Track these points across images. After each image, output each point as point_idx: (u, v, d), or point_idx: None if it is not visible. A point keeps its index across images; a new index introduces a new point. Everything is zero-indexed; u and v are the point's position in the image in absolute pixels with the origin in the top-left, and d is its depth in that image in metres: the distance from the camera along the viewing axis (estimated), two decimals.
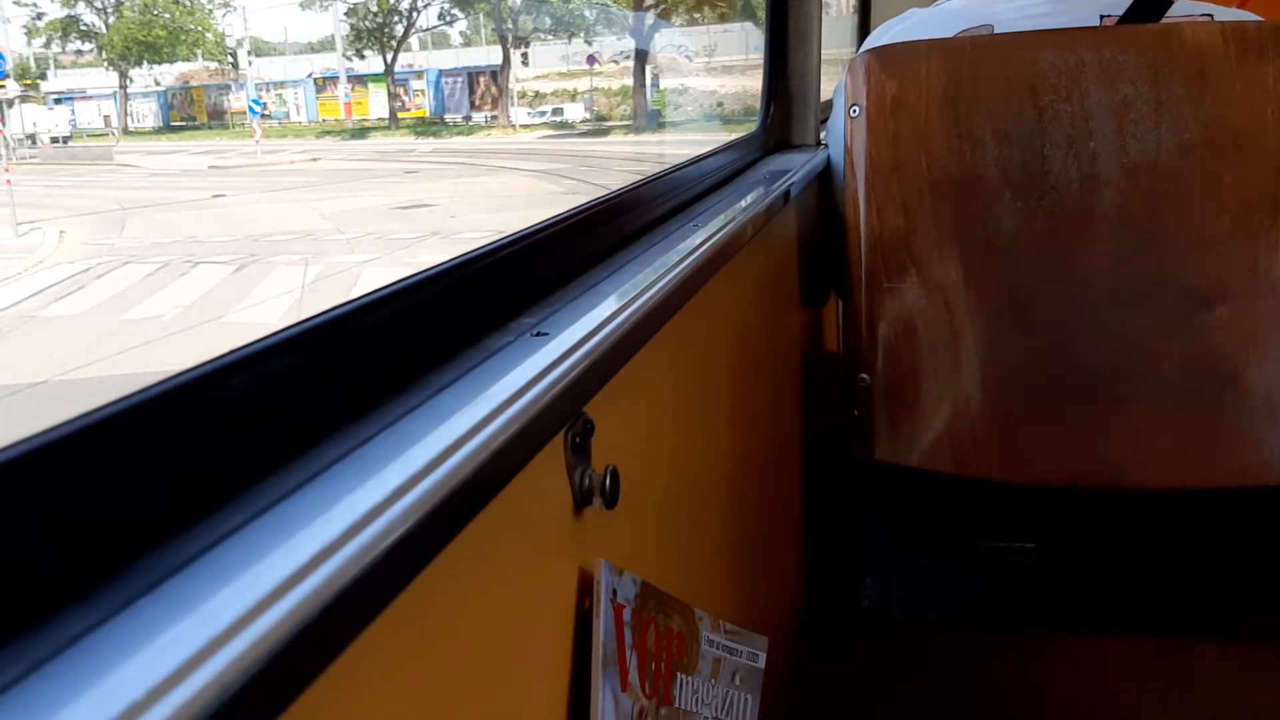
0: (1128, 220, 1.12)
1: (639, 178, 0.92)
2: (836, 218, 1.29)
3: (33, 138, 18.20)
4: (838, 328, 1.50)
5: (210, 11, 23.10)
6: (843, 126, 1.21)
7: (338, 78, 23.14)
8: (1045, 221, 1.14)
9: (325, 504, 0.35)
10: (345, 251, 10.63)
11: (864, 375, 1.21)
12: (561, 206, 0.73)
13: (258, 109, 23.01)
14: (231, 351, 0.38)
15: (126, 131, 22.64)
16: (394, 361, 0.47)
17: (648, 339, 0.63)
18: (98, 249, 10.93)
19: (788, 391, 1.33)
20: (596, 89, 22.15)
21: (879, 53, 1.17)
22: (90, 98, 22.19)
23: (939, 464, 1.20)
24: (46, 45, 21.80)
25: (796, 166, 1.31)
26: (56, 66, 21.85)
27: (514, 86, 22.62)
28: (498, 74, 22.59)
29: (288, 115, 23.44)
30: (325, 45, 24.16)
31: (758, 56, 1.61)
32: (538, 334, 0.55)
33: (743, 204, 1.02)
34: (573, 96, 22.35)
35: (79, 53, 22.17)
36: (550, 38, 23.37)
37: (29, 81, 20.81)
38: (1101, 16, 1.22)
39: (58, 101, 21.53)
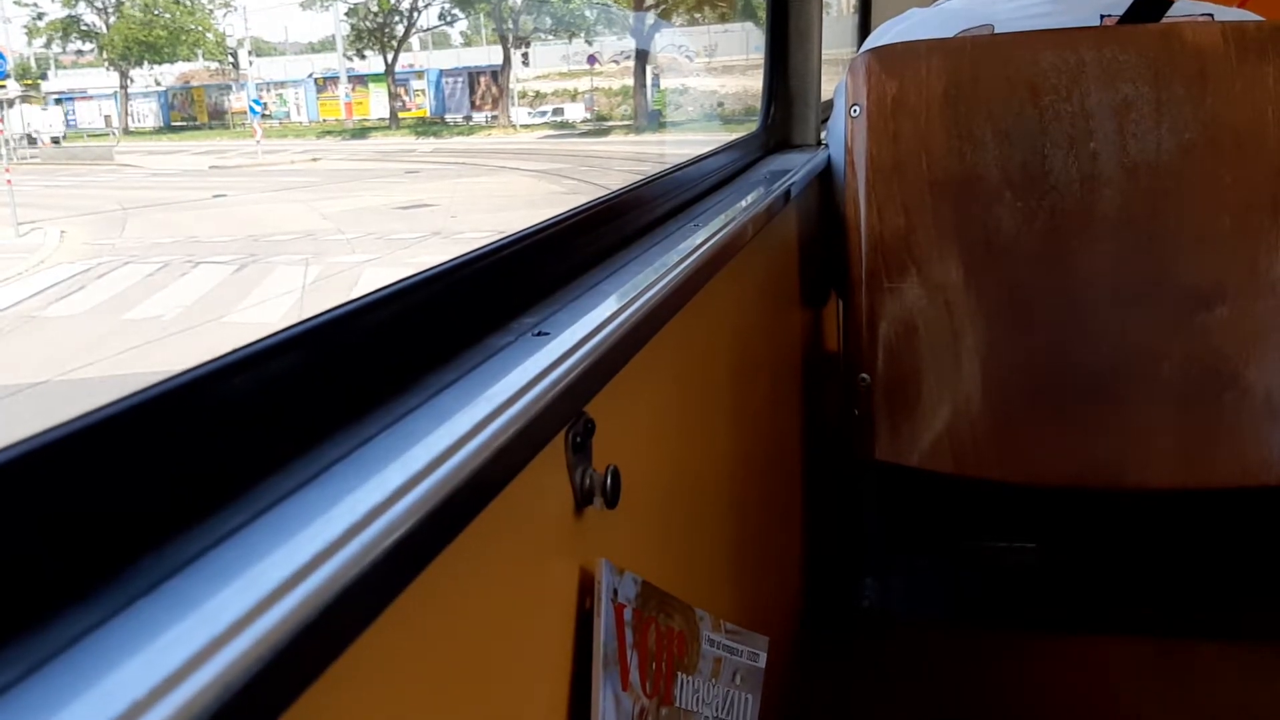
0: (1128, 220, 1.12)
1: (639, 178, 0.92)
2: (837, 218, 1.29)
3: (29, 138, 18.19)
4: (838, 328, 1.50)
5: (211, 11, 23.13)
6: (843, 126, 1.21)
7: (338, 78, 23.15)
8: (1045, 221, 1.14)
9: (326, 504, 0.35)
10: (346, 251, 10.64)
11: (864, 375, 1.21)
12: (562, 206, 0.73)
13: (258, 109, 23.02)
14: (232, 351, 0.38)
15: (127, 131, 22.64)
16: (395, 361, 0.47)
17: (648, 339, 0.63)
18: (98, 249, 10.94)
19: (788, 391, 1.33)
20: (597, 89, 22.15)
21: (879, 53, 1.17)
22: (91, 98, 22.20)
23: (939, 464, 1.20)
24: (47, 45, 21.82)
25: (797, 166, 1.31)
26: (57, 66, 21.86)
27: (514, 86, 22.62)
28: (498, 74, 22.60)
29: (288, 115, 23.45)
30: (326, 45, 24.18)
31: (758, 56, 1.61)
32: (538, 334, 0.55)
33: (743, 204, 1.02)
34: (573, 96, 22.36)
35: (79, 53, 22.19)
36: (551, 38, 23.38)
37: (30, 82, 20.82)
38: (1102, 16, 1.22)
39: (58, 102, 21.54)
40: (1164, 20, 1.16)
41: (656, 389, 0.74)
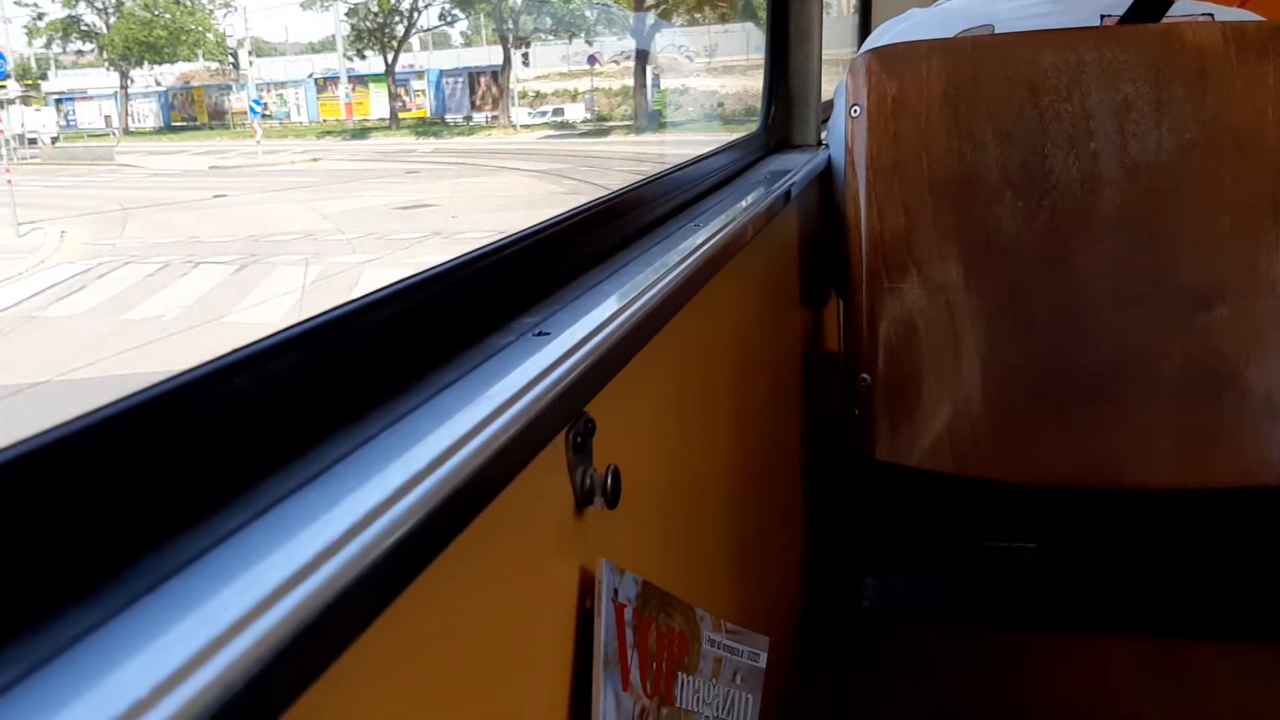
0: (1128, 220, 1.12)
1: (640, 178, 0.92)
2: (837, 218, 1.29)
3: (22, 139, 18.18)
4: (838, 328, 1.50)
5: (211, 12, 23.13)
6: (843, 126, 1.21)
7: (338, 78, 23.15)
8: (1046, 221, 1.14)
9: (326, 504, 0.35)
10: (346, 252, 10.64)
11: (865, 375, 1.21)
12: (562, 206, 0.73)
13: (258, 109, 23.02)
14: (232, 351, 0.38)
15: (127, 132, 22.65)
16: (395, 361, 0.47)
17: (649, 339, 0.63)
18: (98, 249, 10.94)
19: (788, 391, 1.33)
20: (597, 89, 22.15)
21: (880, 53, 1.17)
22: (91, 98, 22.20)
23: (939, 464, 1.20)
24: (47, 45, 21.82)
25: (797, 166, 1.32)
26: (57, 67, 21.87)
27: (515, 87, 22.62)
28: (498, 74, 22.60)
29: (288, 115, 23.45)
30: (326, 45, 24.18)
31: (758, 56, 1.61)
32: (539, 334, 0.55)
33: (743, 204, 1.02)
34: (573, 97, 22.36)
35: (80, 53, 22.19)
36: (551, 38, 23.38)
37: (30, 82, 20.82)
38: (1102, 16, 1.22)
39: (58, 102, 21.55)
40: (1164, 20, 1.16)
41: (657, 389, 0.74)
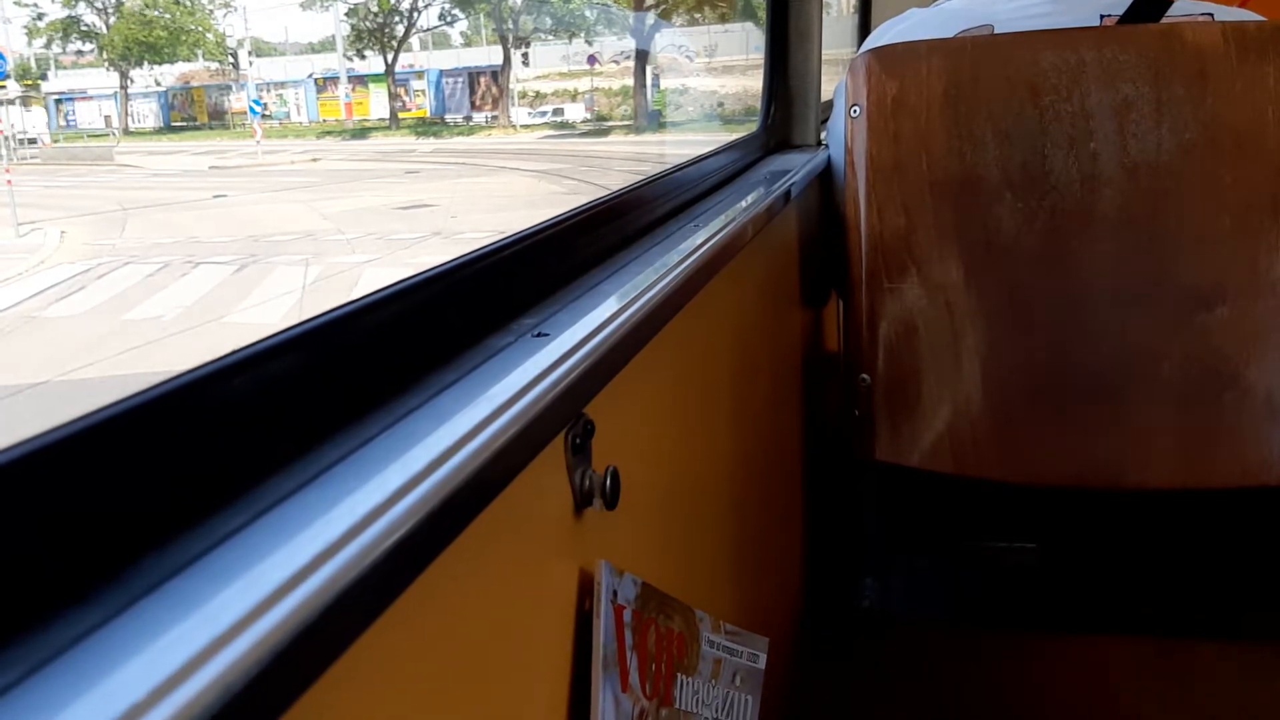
0: (1128, 220, 1.12)
1: (640, 178, 0.92)
2: (837, 218, 1.29)
3: (15, 139, 18.17)
4: (838, 328, 1.50)
5: (211, 12, 23.13)
6: (843, 127, 1.21)
7: (338, 78, 23.15)
8: (1046, 221, 1.14)
9: (326, 505, 0.35)
10: (346, 252, 10.64)
11: (865, 375, 1.21)
12: (562, 207, 0.73)
13: (258, 109, 23.02)
14: (232, 352, 0.38)
15: (127, 132, 22.65)
16: (395, 362, 0.47)
17: (648, 339, 0.63)
18: (98, 249, 10.94)
19: (788, 391, 1.33)
20: (597, 89, 22.15)
21: (879, 53, 1.17)
22: (91, 98, 22.20)
23: (939, 464, 1.20)
24: (47, 46, 21.82)
25: (797, 167, 1.32)
26: (57, 67, 21.87)
27: (514, 87, 22.62)
28: (498, 74, 22.60)
29: (288, 115, 23.45)
30: (326, 45, 24.18)
31: (758, 56, 1.61)
32: (538, 335, 0.55)
33: (743, 204, 1.02)
34: (573, 97, 22.35)
35: (79, 53, 22.19)
36: (551, 38, 23.38)
37: (30, 82, 20.82)
38: (1102, 16, 1.22)
39: (58, 102, 21.55)
40: (1164, 20, 1.16)
41: (656, 390, 0.74)
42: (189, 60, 23.05)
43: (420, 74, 23.24)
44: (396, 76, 23.04)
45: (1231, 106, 1.09)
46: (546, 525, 0.54)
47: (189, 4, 22.66)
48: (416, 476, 0.37)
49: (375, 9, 23.26)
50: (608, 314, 0.58)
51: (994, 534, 1.41)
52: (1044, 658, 1.14)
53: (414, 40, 24.36)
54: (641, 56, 19.71)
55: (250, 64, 23.18)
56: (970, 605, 1.41)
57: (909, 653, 1.19)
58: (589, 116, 22.05)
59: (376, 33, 23.62)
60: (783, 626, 1.23)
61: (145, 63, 22.72)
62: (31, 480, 0.30)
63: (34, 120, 19.68)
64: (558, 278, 0.67)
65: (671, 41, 19.60)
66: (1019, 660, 1.14)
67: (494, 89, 22.67)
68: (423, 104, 23.16)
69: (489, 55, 23.45)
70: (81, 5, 21.36)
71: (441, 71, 23.07)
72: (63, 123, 21.91)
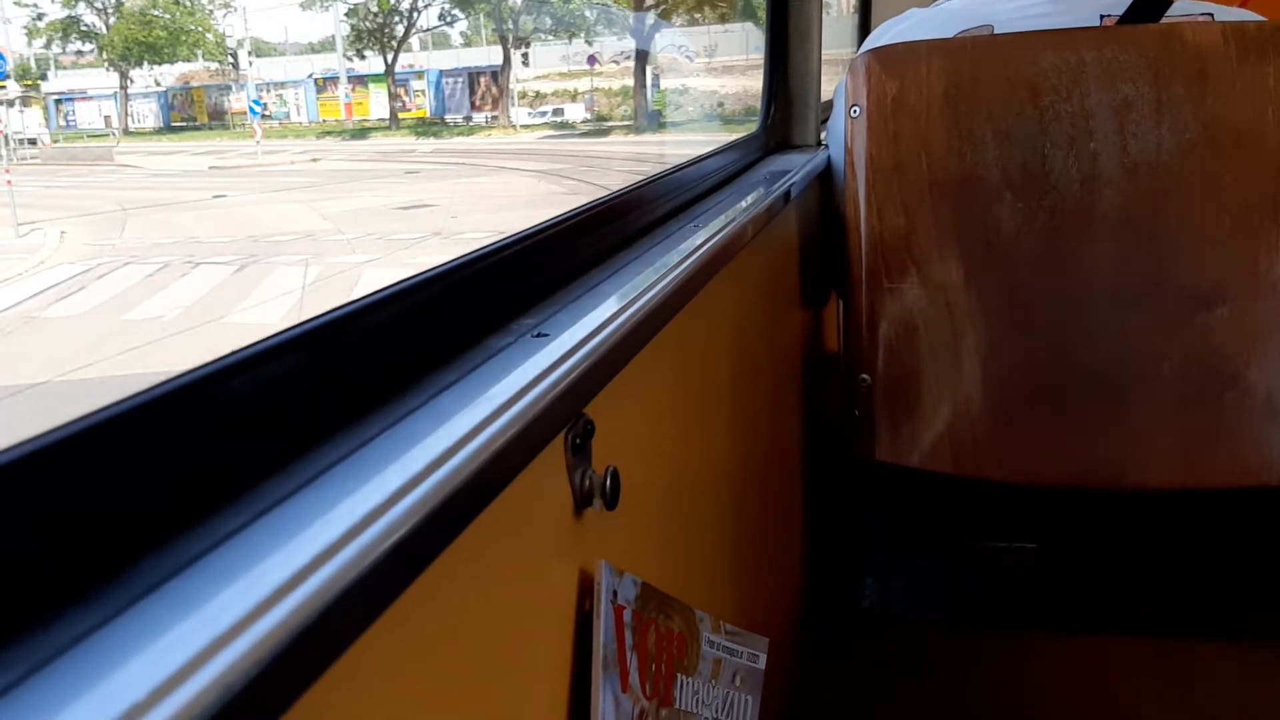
0: (1128, 220, 1.12)
1: (640, 178, 0.92)
2: (837, 218, 1.29)
3: (23, 139, 18.18)
4: (838, 328, 1.50)
5: (211, 12, 23.13)
6: (843, 127, 1.21)
7: (338, 78, 23.15)
8: (1046, 222, 1.14)
9: (326, 505, 0.35)
10: (346, 252, 10.64)
11: (865, 375, 1.21)
12: (562, 207, 0.73)
13: (258, 109, 23.02)
14: (232, 352, 0.38)
15: (127, 132, 22.65)
16: (394, 363, 0.47)
17: (648, 340, 0.63)
18: (98, 249, 10.94)
19: (788, 392, 1.33)
20: (597, 89, 22.15)
21: (879, 53, 1.17)
22: (91, 98, 22.20)
23: (939, 464, 1.20)
24: (47, 46, 21.83)
25: (797, 167, 1.32)
26: (57, 67, 21.87)
27: (514, 87, 22.62)
28: (498, 74, 22.60)
29: (288, 116, 23.45)
30: (326, 45, 24.17)
31: (758, 57, 1.61)
32: (538, 335, 0.55)
33: (743, 204, 1.02)
34: (573, 97, 22.35)
35: (79, 53, 22.19)
36: (551, 38, 23.38)
37: (30, 82, 20.82)
38: (1101, 16, 1.22)
39: (58, 102, 21.55)
40: (1164, 20, 1.16)
41: (656, 390, 0.74)
42: (189, 60, 23.05)
43: (420, 74, 23.24)
44: (396, 77, 23.04)
45: (1231, 106, 1.09)
46: (546, 525, 0.54)
47: (189, 4, 22.66)
48: (416, 477, 0.37)
49: (375, 9, 23.26)
50: (608, 314, 0.58)
51: (994, 534, 1.41)
52: (1044, 658, 1.14)
53: (414, 40, 24.37)
54: (641, 57, 19.72)
55: (250, 64, 23.18)
56: (970, 605, 1.41)
57: (909, 653, 1.19)
58: (589, 117, 22.05)
59: (376, 33, 23.62)
60: (783, 626, 1.23)
61: (145, 63, 22.72)
62: (31, 480, 0.30)
63: (29, 120, 19.66)
64: (558, 278, 0.67)
65: (671, 41, 19.61)
66: (1019, 660, 1.14)
67: (494, 89, 22.67)
68: (423, 104, 23.17)
69: (489, 55, 23.46)
70: (81, 5, 21.37)
71: (441, 72, 23.07)
72: (62, 123, 21.91)
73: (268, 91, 23.55)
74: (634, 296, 0.62)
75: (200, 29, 23.10)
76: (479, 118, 22.76)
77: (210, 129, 23.07)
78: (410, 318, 0.49)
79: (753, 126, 1.57)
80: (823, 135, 1.62)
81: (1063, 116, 1.13)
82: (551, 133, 21.59)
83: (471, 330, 0.54)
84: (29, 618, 0.28)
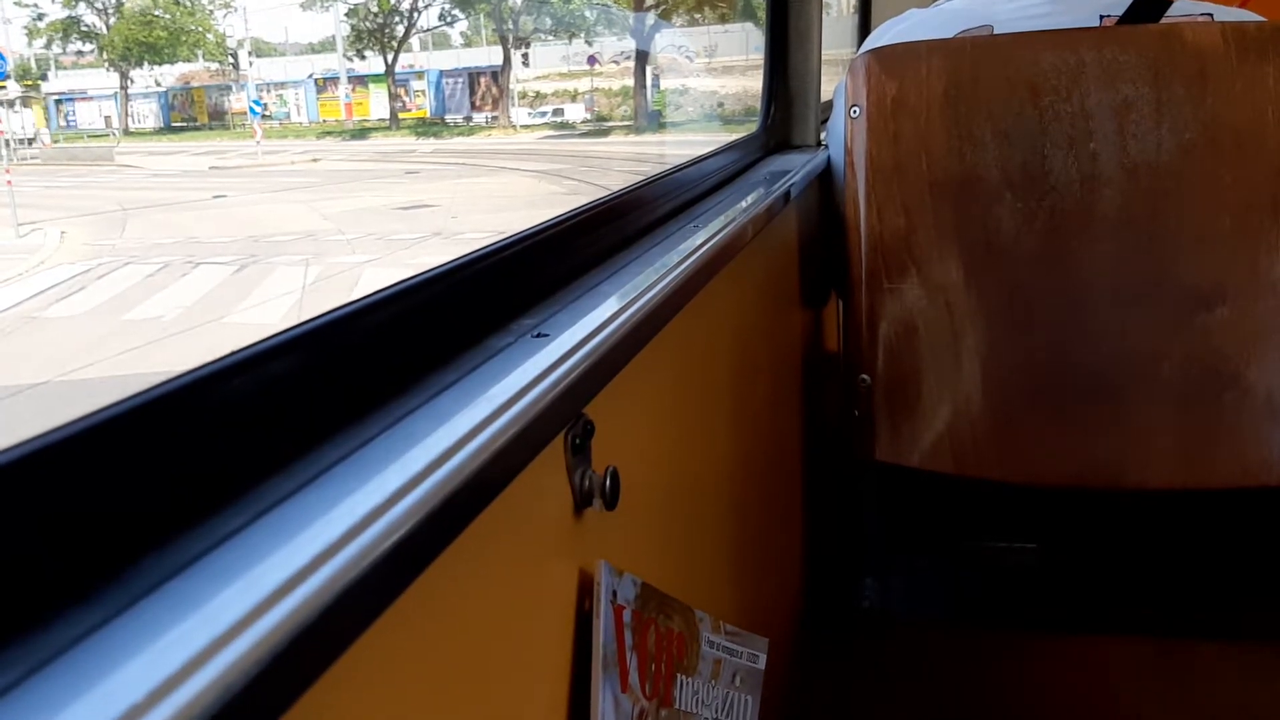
0: (1128, 220, 1.12)
1: (640, 178, 0.92)
2: (837, 218, 1.29)
3: (24, 139, 18.17)
4: (838, 328, 1.50)
5: (211, 12, 23.13)
6: (843, 127, 1.21)
7: (338, 78, 23.15)
8: (1046, 222, 1.14)
9: (326, 505, 0.35)
10: (346, 252, 10.64)
11: (864, 375, 1.21)
12: (562, 207, 0.73)
13: (258, 109, 23.02)
14: (233, 353, 0.38)
15: (127, 132, 22.65)
16: (395, 363, 0.48)
17: (648, 340, 0.63)
18: (98, 250, 10.94)
19: (788, 392, 1.33)
20: (597, 89, 22.15)
21: (879, 53, 1.17)
22: (91, 98, 22.21)
23: (939, 464, 1.20)
24: (47, 46, 21.83)
25: (797, 167, 1.32)
26: (57, 67, 21.87)
27: (514, 87, 22.62)
28: (498, 74, 22.60)
29: (288, 116, 23.45)
30: (326, 46, 24.17)
31: (758, 57, 1.61)
32: (538, 335, 0.55)
33: (743, 205, 1.02)
34: (573, 97, 22.35)
35: (80, 53, 22.19)
36: (551, 38, 23.37)
37: (30, 82, 20.83)
38: (1101, 17, 1.22)
39: (59, 103, 21.55)
40: (1164, 20, 1.16)
41: (656, 390, 0.74)
42: (189, 60, 23.05)
43: (420, 74, 23.24)
44: (396, 77, 23.03)
45: (1231, 106, 1.09)
46: (546, 525, 0.54)
47: (189, 4, 22.66)
48: (416, 477, 0.37)
49: (375, 9, 23.27)
50: (608, 314, 0.58)
51: (994, 534, 1.41)
52: (1044, 658, 1.14)
53: (414, 40, 24.37)
54: (641, 57, 19.72)
55: (250, 64, 23.18)
56: (970, 605, 1.41)
57: (909, 653, 1.19)
58: (589, 117, 22.05)
59: (376, 33, 23.62)
60: (783, 626, 1.23)
61: (145, 63, 22.72)
62: (31, 480, 0.30)
63: (24, 120, 19.63)
64: (558, 278, 0.67)
65: (671, 42, 19.61)
66: (1019, 660, 1.14)
67: (494, 89, 22.67)
68: (423, 104, 23.16)
69: (489, 55, 23.46)
70: (82, 6, 21.37)
71: (441, 72, 23.07)
72: (63, 123, 21.91)
73: (268, 92, 23.55)
74: (634, 296, 0.62)
75: (201, 29, 23.11)
76: (479, 118, 22.76)
77: (210, 129, 23.07)
78: (410, 318, 0.49)
79: (753, 127, 1.57)
80: (823, 135, 1.62)
81: (1063, 117, 1.13)
82: (552, 133, 21.59)
83: (471, 330, 0.54)
84: (29, 618, 0.28)
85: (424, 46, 24.66)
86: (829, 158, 1.43)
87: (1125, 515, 1.37)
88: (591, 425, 0.55)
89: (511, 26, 23.51)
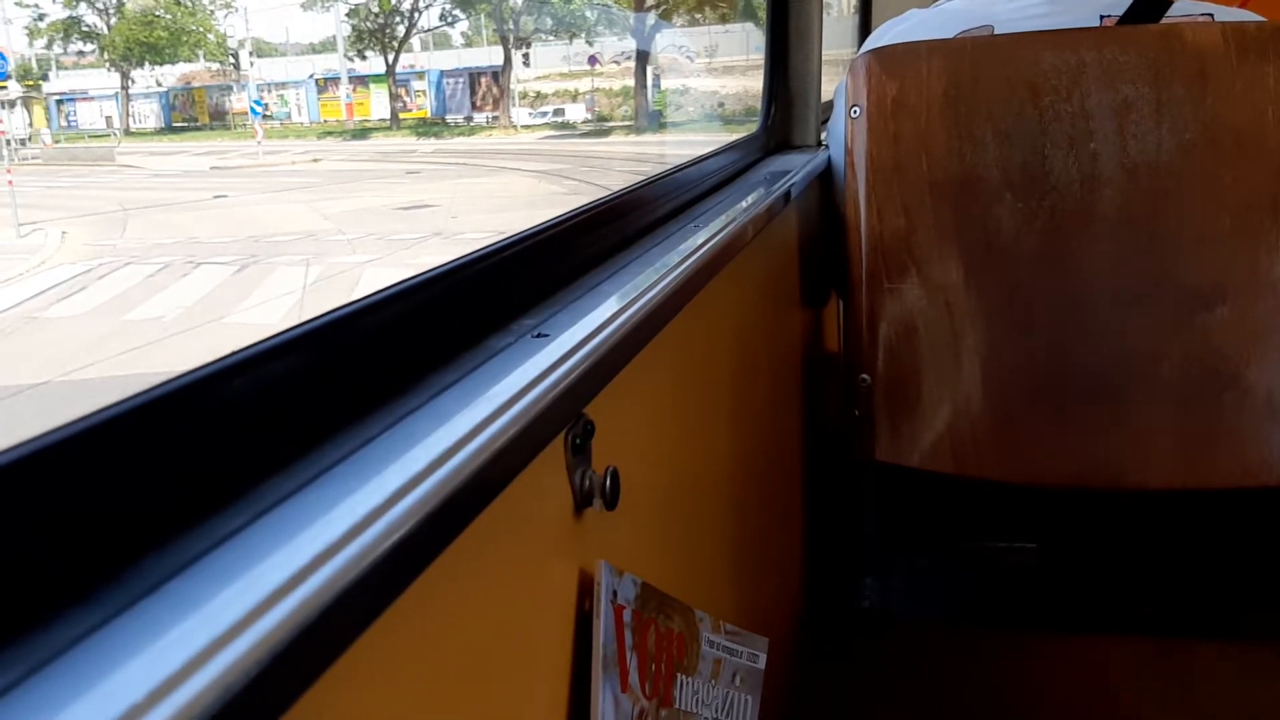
0: (1128, 220, 1.12)
1: (640, 178, 0.93)
2: (837, 218, 1.29)
3: (23, 139, 18.18)
4: (838, 328, 1.50)
5: (212, 12, 23.14)
6: (843, 127, 1.21)
7: (339, 78, 23.15)
8: (1046, 222, 1.14)
9: (326, 505, 0.35)
10: (347, 252, 10.64)
11: (865, 375, 1.21)
12: (563, 207, 0.73)
13: (259, 110, 23.01)
14: (233, 353, 0.38)
15: (128, 132, 22.64)
16: (395, 363, 0.48)
17: (648, 340, 0.63)
18: (99, 250, 10.94)
19: (788, 392, 1.33)
20: (598, 89, 22.15)
21: (880, 53, 1.17)
22: (92, 98, 22.21)
23: (939, 464, 1.20)
24: (48, 46, 21.83)
25: (797, 167, 1.32)
26: (58, 67, 21.88)
27: (515, 87, 22.62)
28: (499, 74, 22.59)
29: (289, 116, 23.45)
30: (327, 46, 24.17)
31: (759, 57, 1.61)
32: (538, 335, 0.55)
33: (743, 205, 1.02)
34: (574, 97, 22.35)
35: (80, 54, 22.19)
36: (551, 38, 23.37)
37: (31, 82, 20.84)
38: (1101, 17, 1.22)
39: (59, 103, 21.56)
40: (1164, 21, 1.16)
41: (656, 390, 0.74)
42: (190, 61, 23.05)
43: (421, 74, 23.23)
44: (397, 77, 23.03)
45: (1231, 106, 1.09)
46: (546, 525, 0.54)
47: (190, 4, 22.67)
48: (416, 477, 0.37)
49: (376, 9, 23.27)
50: (608, 314, 0.58)
51: (994, 534, 1.41)
52: (1044, 658, 1.14)
53: (415, 41, 24.36)
54: (642, 57, 19.71)
55: (251, 64, 23.18)
56: (970, 605, 1.41)
57: (909, 653, 1.19)
58: (590, 117, 22.04)
59: (377, 33, 23.62)
60: (783, 626, 1.23)
61: (146, 63, 22.73)
62: (31, 480, 0.30)
63: (19, 121, 19.61)
64: (558, 278, 0.67)
65: (672, 42, 19.61)
66: (1019, 660, 1.14)
67: (495, 89, 22.67)
68: (423, 104, 23.16)
69: (490, 56, 23.45)
70: (83, 6, 21.38)
71: (442, 72, 23.06)
72: (64, 123, 21.91)
73: (269, 92, 23.54)
74: (634, 297, 0.62)
75: (201, 29, 23.10)
76: (480, 118, 22.75)
77: (211, 129, 23.07)
78: (410, 318, 0.49)
79: (753, 127, 1.57)
80: (823, 136, 1.62)
81: (1063, 117, 1.13)
82: (552, 133, 21.59)
83: (471, 330, 0.54)
84: (29, 618, 0.28)
85: (425, 46, 24.66)
86: (829, 158, 1.43)
87: (1125, 515, 1.37)
88: (592, 425, 0.56)
89: (512, 27, 23.51)
